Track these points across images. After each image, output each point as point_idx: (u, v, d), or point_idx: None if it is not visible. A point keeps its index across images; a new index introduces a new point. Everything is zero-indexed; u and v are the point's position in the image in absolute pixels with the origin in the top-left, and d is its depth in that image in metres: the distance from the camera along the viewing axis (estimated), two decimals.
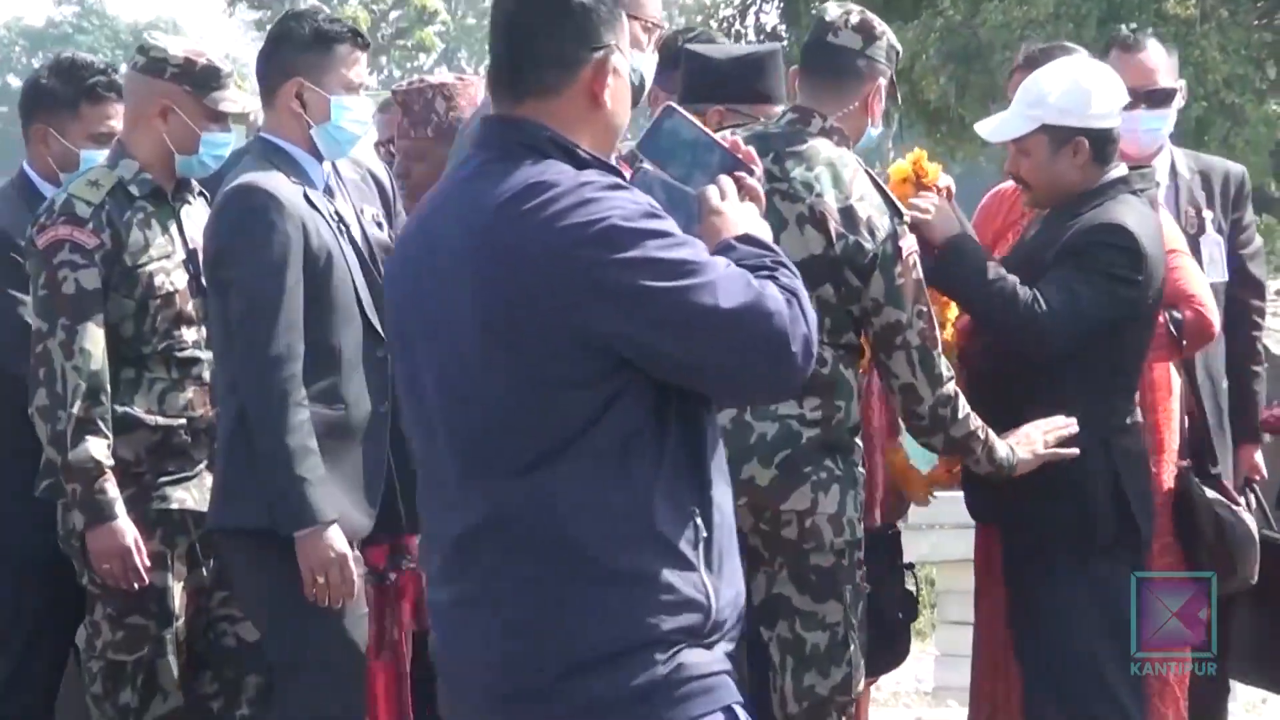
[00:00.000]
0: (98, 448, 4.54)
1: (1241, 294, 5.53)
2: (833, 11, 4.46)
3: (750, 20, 19.29)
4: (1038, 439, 4.46)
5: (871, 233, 4.31)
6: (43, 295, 4.62)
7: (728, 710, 2.82)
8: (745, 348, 2.80)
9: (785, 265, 2.90)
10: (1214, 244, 5.45)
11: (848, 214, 4.32)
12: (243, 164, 4.50)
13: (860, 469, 4.39)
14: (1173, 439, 4.91)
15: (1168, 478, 4.84)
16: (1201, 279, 4.98)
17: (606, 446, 2.78)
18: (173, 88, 4.68)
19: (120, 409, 4.64)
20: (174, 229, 4.74)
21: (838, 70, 4.41)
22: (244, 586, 4.54)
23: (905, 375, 4.34)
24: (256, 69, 4.61)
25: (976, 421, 4.38)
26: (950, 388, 4.36)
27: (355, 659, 4.42)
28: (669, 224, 2.82)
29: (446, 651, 2.94)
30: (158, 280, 4.67)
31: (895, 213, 4.36)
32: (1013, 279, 4.52)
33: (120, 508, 4.54)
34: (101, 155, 4.93)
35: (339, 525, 4.29)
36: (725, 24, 18.89)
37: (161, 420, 4.67)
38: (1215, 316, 4.96)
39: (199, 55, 4.71)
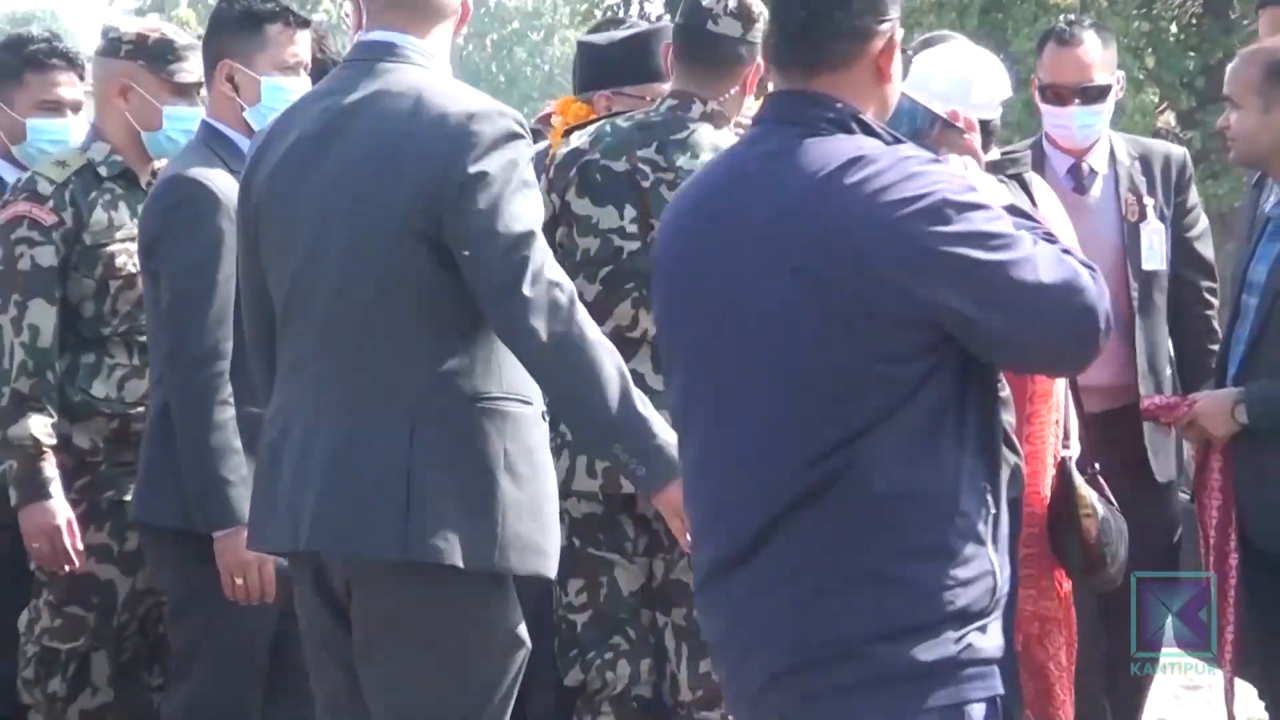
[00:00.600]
0: (38, 425, 4.51)
1: (1191, 276, 5.55)
2: None
3: (634, 9, 19.31)
4: None
5: None
6: None
7: (991, 702, 2.84)
8: (1063, 321, 2.82)
9: (1055, 236, 2.91)
10: (1154, 232, 5.46)
11: None
12: (183, 151, 4.49)
13: None
14: (1054, 442, 4.96)
15: (1044, 483, 4.91)
16: None
17: (917, 422, 2.78)
18: (129, 65, 4.67)
19: (79, 395, 4.62)
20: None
21: (719, 59, 4.43)
22: (158, 578, 4.54)
23: None
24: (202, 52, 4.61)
25: None
26: None
27: (251, 657, 4.40)
28: (986, 196, 2.82)
29: (732, 633, 2.91)
30: (119, 261, 4.65)
31: None
32: None
33: (56, 488, 4.51)
34: (50, 124, 5.00)
35: None
36: (610, 12, 18.92)
37: (120, 407, 4.64)
38: None
39: (152, 30, 4.71)
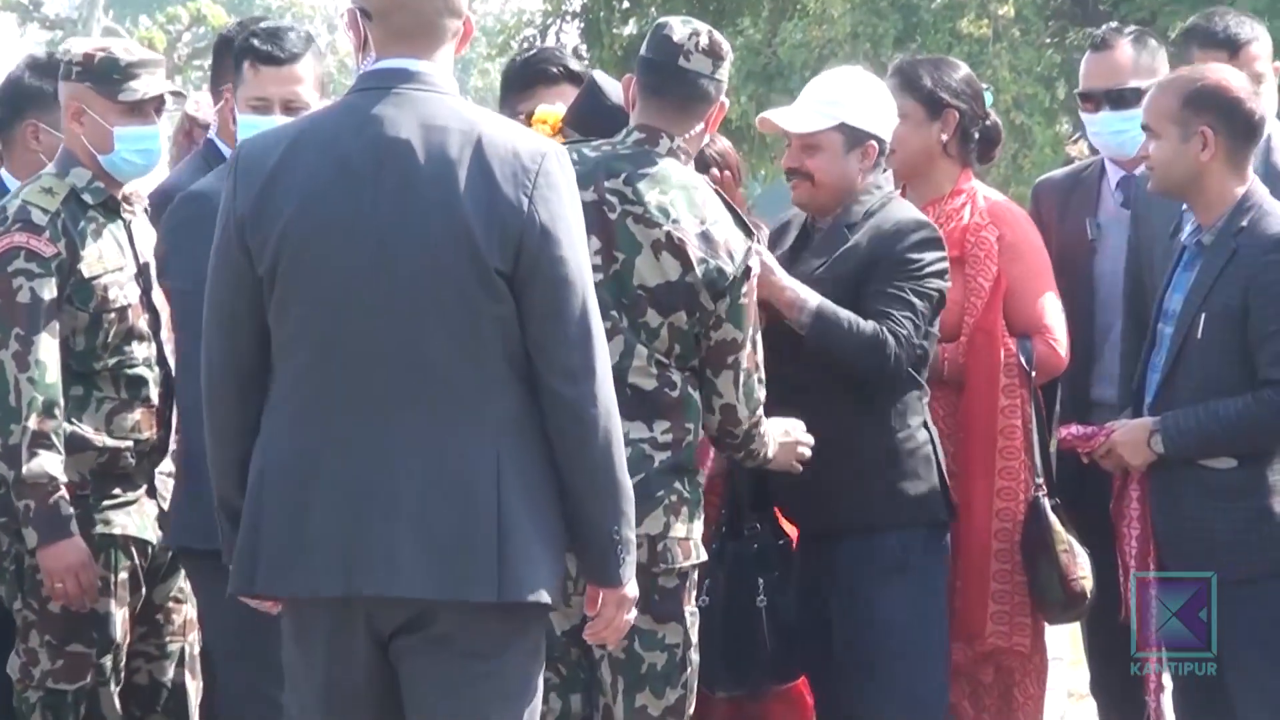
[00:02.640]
0: (52, 463, 4.43)
1: None
2: (679, 32, 4.38)
3: (551, 39, 19.27)
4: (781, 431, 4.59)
5: (730, 255, 4.33)
6: None
7: None
8: None
9: None
10: None
11: (706, 238, 4.33)
12: (186, 162, 4.58)
13: (701, 490, 4.46)
14: (1026, 477, 5.01)
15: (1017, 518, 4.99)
16: (1059, 311, 5.09)
17: None
18: (78, 87, 4.61)
19: (69, 427, 4.54)
20: (124, 240, 4.65)
21: (688, 95, 4.38)
22: (210, 614, 4.45)
23: (729, 395, 4.38)
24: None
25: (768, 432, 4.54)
26: (761, 410, 4.45)
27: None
28: None
29: None
30: (112, 293, 4.60)
31: (746, 232, 4.41)
32: (857, 319, 4.65)
33: (75, 525, 4.46)
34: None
35: None
36: (526, 42, 18.88)
37: (109, 441, 4.58)
38: (1065, 351, 5.09)
39: (99, 49, 4.63)
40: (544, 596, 3.52)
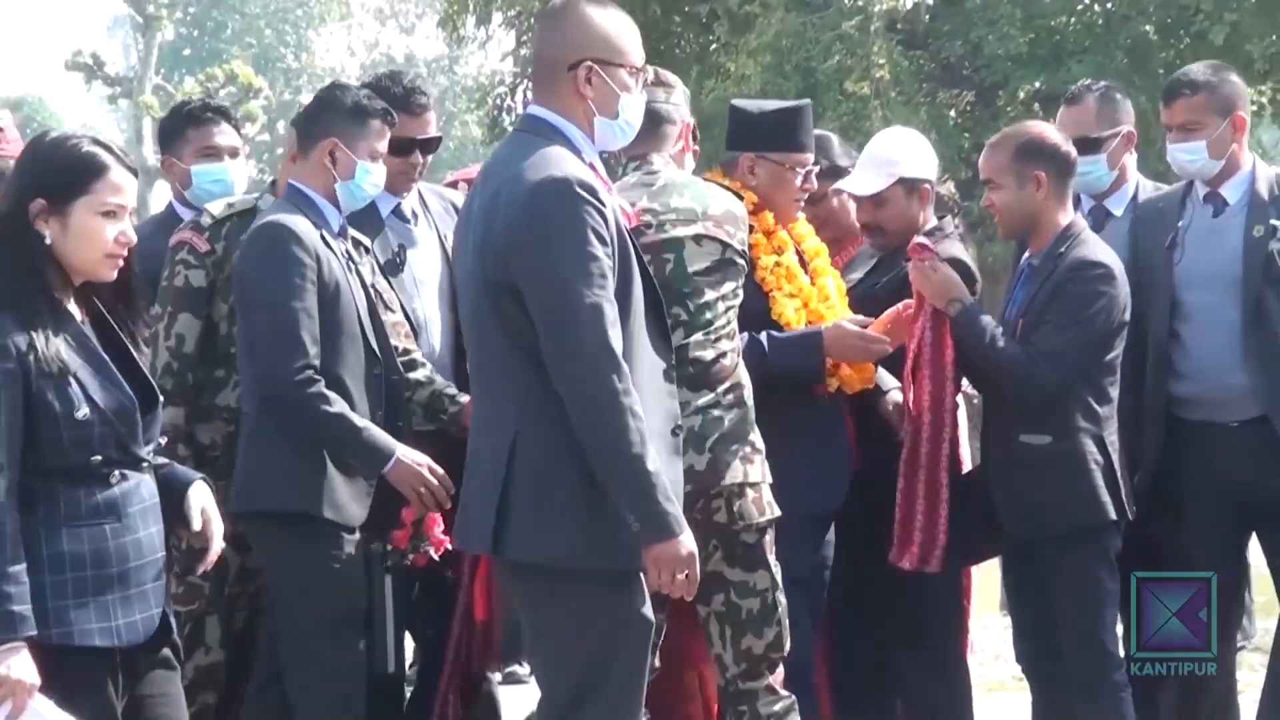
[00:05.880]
0: (173, 416, 4.50)
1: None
2: None
3: (520, 97, 19.25)
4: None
5: (739, 228, 4.49)
6: (163, 285, 4.67)
7: None
8: None
9: None
10: None
11: (729, 218, 4.45)
12: (273, 205, 4.56)
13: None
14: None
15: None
16: None
17: None
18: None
19: (207, 401, 4.68)
20: None
21: (655, 121, 4.42)
22: (267, 563, 4.47)
23: None
24: (296, 125, 4.61)
25: None
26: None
27: (356, 663, 4.35)
28: None
29: None
30: None
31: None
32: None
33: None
34: (210, 168, 5.13)
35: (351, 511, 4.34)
36: (499, 99, 18.84)
37: (238, 415, 4.60)
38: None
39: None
40: (539, 556, 3.58)
